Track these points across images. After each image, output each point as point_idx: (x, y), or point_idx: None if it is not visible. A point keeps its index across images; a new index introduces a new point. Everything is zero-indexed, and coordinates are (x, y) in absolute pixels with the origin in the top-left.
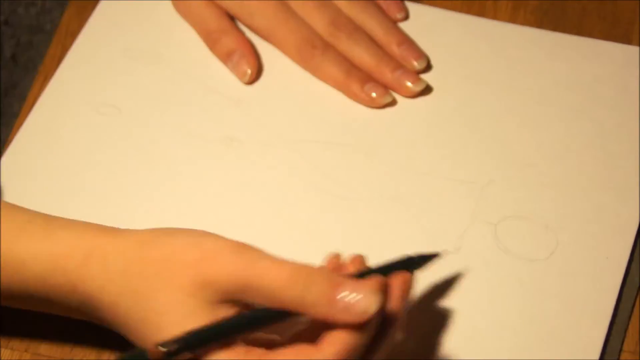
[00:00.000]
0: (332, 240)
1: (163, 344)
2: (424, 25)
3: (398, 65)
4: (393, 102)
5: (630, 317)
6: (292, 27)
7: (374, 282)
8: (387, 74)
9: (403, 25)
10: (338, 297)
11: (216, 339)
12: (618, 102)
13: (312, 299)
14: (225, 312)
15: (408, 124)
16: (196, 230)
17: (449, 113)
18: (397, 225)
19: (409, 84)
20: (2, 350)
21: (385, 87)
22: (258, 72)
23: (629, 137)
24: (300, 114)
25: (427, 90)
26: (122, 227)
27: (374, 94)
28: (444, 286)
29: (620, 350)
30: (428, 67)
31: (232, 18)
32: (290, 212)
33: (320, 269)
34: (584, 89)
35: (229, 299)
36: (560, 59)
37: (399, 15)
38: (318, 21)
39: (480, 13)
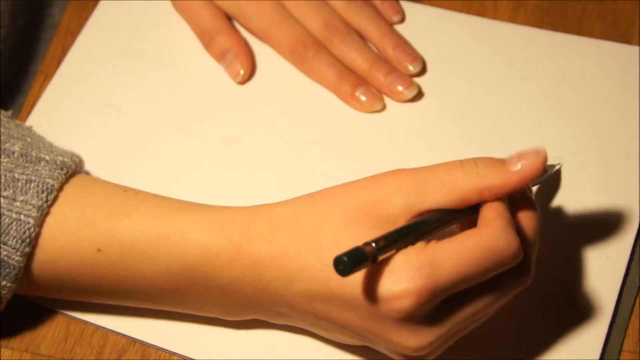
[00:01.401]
0: None
1: (374, 241)
2: (424, 25)
3: (391, 69)
4: (390, 101)
5: (630, 317)
6: (287, 28)
7: (531, 150)
8: (380, 79)
9: (403, 25)
10: (508, 163)
11: (408, 235)
12: (618, 102)
13: (485, 171)
14: (404, 222)
15: (408, 123)
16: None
17: (449, 113)
18: None
19: (401, 88)
20: (2, 350)
21: (378, 93)
22: (251, 72)
23: (629, 137)
24: (300, 114)
25: (427, 90)
26: None
27: (363, 98)
28: None
29: (620, 350)
30: (424, 70)
31: (228, 18)
32: None
33: None
34: (584, 88)
35: (405, 206)
36: (560, 58)
37: (395, 18)
38: (313, 23)
39: (480, 13)
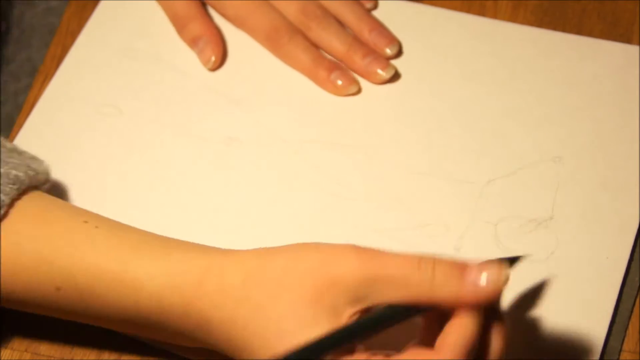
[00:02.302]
0: (332, 240)
1: (286, 356)
2: (424, 25)
3: (368, 52)
4: (391, 101)
5: (630, 317)
6: (262, 14)
7: (495, 263)
8: (357, 61)
9: (403, 25)
10: (467, 276)
11: (340, 344)
12: (618, 101)
13: (441, 280)
14: (348, 316)
15: (408, 124)
16: (311, 242)
17: (449, 113)
18: (397, 225)
19: (379, 70)
20: (2, 350)
21: (353, 76)
22: (223, 59)
23: (629, 137)
24: (300, 113)
25: (426, 90)
26: None
27: (339, 82)
28: None
29: (620, 350)
30: (400, 53)
31: (203, 5)
32: (290, 211)
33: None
34: (584, 88)
35: (352, 300)
36: (560, 58)
37: (368, 5)
38: (289, 8)
39: (480, 13)
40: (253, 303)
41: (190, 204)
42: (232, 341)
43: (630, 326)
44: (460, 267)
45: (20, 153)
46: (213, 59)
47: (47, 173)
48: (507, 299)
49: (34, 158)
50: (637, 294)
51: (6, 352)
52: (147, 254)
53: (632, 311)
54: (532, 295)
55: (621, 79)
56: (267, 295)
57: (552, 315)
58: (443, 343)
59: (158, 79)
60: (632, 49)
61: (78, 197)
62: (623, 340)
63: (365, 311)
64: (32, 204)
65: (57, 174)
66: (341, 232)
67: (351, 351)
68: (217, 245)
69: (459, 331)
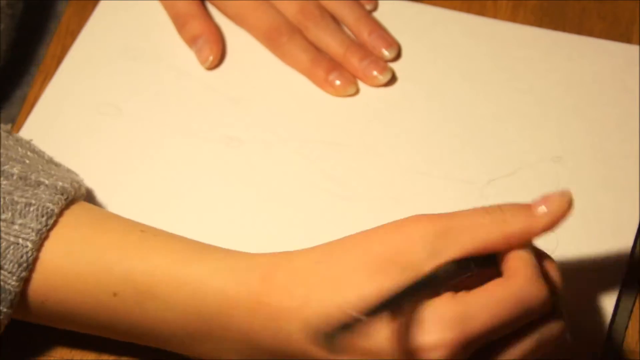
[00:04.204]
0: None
1: (375, 306)
2: (424, 25)
3: (366, 54)
4: (391, 100)
5: (630, 317)
6: (262, 13)
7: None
8: (354, 63)
9: (403, 24)
10: (533, 207)
11: (422, 292)
12: (618, 101)
13: (511, 215)
14: (425, 270)
15: (408, 124)
16: None
17: (449, 113)
18: None
19: (375, 73)
20: (3, 350)
21: (351, 77)
22: (221, 59)
23: (629, 137)
24: (300, 113)
25: (426, 89)
26: None
27: (337, 82)
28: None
29: (620, 350)
30: (399, 54)
31: (204, 4)
32: (290, 211)
33: None
34: (583, 88)
35: (430, 254)
36: (560, 58)
37: (368, 7)
38: (288, 8)
39: (480, 12)
40: (328, 281)
41: (189, 203)
42: (306, 327)
43: (630, 326)
44: (525, 205)
45: (57, 165)
46: (211, 58)
47: (84, 185)
48: None
49: (69, 171)
50: (637, 294)
51: (6, 352)
52: (210, 254)
53: (632, 311)
54: None
55: (621, 79)
56: (342, 270)
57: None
58: (511, 271)
59: (158, 79)
60: (632, 49)
61: None
62: (623, 340)
63: (445, 263)
64: (83, 213)
65: None
66: (341, 232)
67: (438, 294)
68: (216, 245)
69: (522, 257)
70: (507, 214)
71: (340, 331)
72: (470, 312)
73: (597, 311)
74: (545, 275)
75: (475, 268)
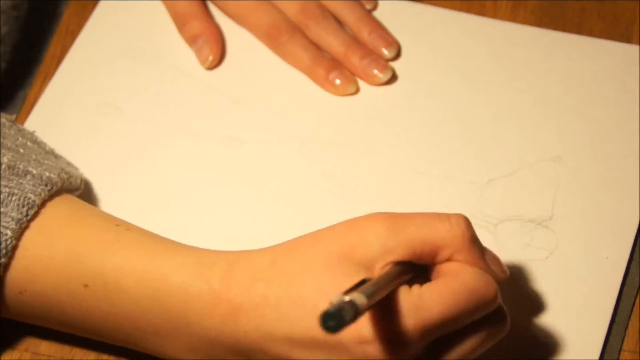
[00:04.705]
0: None
1: (349, 295)
2: (424, 25)
3: (367, 52)
4: (391, 100)
5: (630, 317)
6: (263, 12)
7: None
8: (355, 62)
9: (403, 24)
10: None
11: (374, 294)
12: (618, 101)
13: (465, 223)
14: (380, 268)
15: (408, 123)
16: None
17: (449, 113)
18: None
19: (376, 72)
20: (2, 350)
21: (352, 76)
22: (220, 59)
23: (629, 137)
24: (300, 113)
25: (425, 89)
26: None
27: (338, 81)
28: None
29: (620, 349)
30: (399, 53)
31: (205, 3)
32: (290, 211)
33: None
34: (583, 88)
35: (382, 252)
36: (560, 58)
37: (368, 7)
38: (289, 7)
39: (480, 12)
40: (285, 277)
41: (189, 203)
42: (264, 324)
43: (630, 326)
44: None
45: (57, 157)
46: (210, 58)
47: (80, 178)
48: (507, 299)
49: (69, 164)
50: (637, 294)
51: (6, 352)
52: (176, 251)
53: (632, 311)
54: (532, 295)
55: (621, 79)
56: (299, 265)
57: (552, 315)
58: (458, 267)
59: (158, 79)
60: (632, 48)
61: (78, 196)
62: (623, 340)
63: (397, 264)
64: (64, 206)
65: None
66: None
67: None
68: (216, 244)
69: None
70: (452, 220)
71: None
72: (425, 302)
73: (597, 311)
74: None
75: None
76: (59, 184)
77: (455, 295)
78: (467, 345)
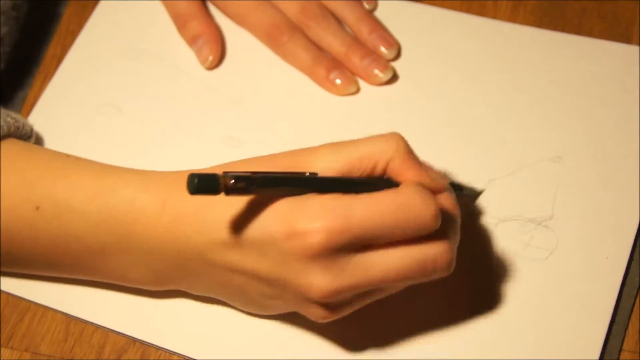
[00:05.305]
0: None
1: (235, 176)
2: (424, 25)
3: (367, 52)
4: (391, 100)
5: (630, 317)
6: (263, 12)
7: None
8: (355, 62)
9: (403, 24)
10: None
11: (287, 184)
12: (618, 101)
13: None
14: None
15: (408, 124)
16: None
17: (449, 113)
18: None
19: (377, 71)
20: (2, 349)
21: (352, 76)
22: (220, 59)
23: (629, 137)
24: (300, 113)
25: (425, 89)
26: None
27: (338, 81)
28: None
29: (620, 349)
30: (400, 53)
31: (205, 3)
32: None
33: None
34: (583, 88)
35: (322, 167)
36: (559, 58)
37: (368, 7)
38: (289, 7)
39: (480, 12)
40: None
41: None
42: (204, 227)
43: (630, 326)
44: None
45: (5, 111)
46: (210, 58)
47: (30, 127)
48: (508, 299)
49: (17, 114)
50: (637, 294)
51: (6, 352)
52: (126, 171)
53: (632, 311)
54: (532, 295)
55: (621, 79)
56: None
57: (552, 315)
58: (406, 184)
59: (158, 79)
60: (632, 49)
61: None
62: (623, 339)
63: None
64: (13, 145)
65: None
66: None
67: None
68: None
69: (415, 180)
70: (396, 138)
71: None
72: (354, 205)
73: (597, 311)
74: (443, 209)
75: (371, 186)
76: (5, 128)
77: (384, 206)
78: (395, 258)
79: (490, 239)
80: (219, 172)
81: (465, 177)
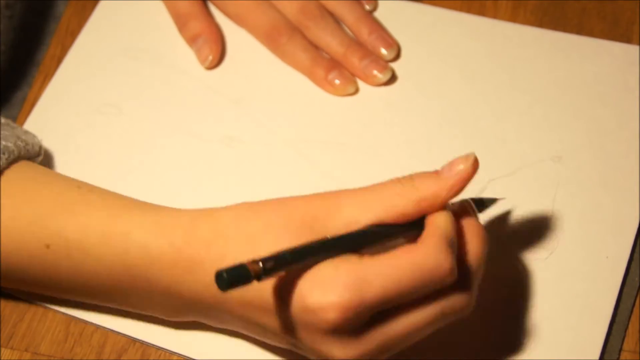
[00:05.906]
0: None
1: (263, 259)
2: (424, 25)
3: (366, 53)
4: (391, 100)
5: (630, 317)
6: (262, 13)
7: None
8: (354, 63)
9: (403, 24)
10: (441, 172)
11: (306, 258)
12: (618, 101)
13: (420, 182)
14: None
15: (408, 123)
16: None
17: (449, 113)
18: None
19: (376, 72)
20: (2, 349)
21: (351, 76)
22: (220, 59)
23: (629, 137)
24: (300, 113)
25: (425, 89)
26: None
27: (337, 82)
28: None
29: (620, 349)
30: (399, 53)
31: (205, 3)
32: None
33: None
34: (584, 88)
35: (345, 224)
36: (560, 58)
37: (368, 7)
38: (288, 8)
39: (480, 12)
40: (245, 236)
41: (190, 203)
42: None
43: (630, 326)
44: (434, 171)
45: (13, 127)
46: (210, 57)
47: (39, 146)
48: (507, 299)
49: (27, 132)
50: (637, 294)
51: (6, 352)
52: (138, 209)
53: (632, 311)
54: (532, 295)
55: (621, 79)
56: (260, 226)
57: (552, 315)
58: (421, 238)
59: (158, 79)
60: (632, 49)
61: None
62: (623, 339)
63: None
64: (24, 172)
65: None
66: None
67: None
68: None
69: (435, 224)
70: (416, 180)
71: (231, 273)
72: (369, 276)
73: (597, 311)
74: (464, 250)
75: (398, 233)
76: (15, 152)
77: (400, 272)
78: (415, 318)
79: (490, 239)
80: (244, 258)
81: None
